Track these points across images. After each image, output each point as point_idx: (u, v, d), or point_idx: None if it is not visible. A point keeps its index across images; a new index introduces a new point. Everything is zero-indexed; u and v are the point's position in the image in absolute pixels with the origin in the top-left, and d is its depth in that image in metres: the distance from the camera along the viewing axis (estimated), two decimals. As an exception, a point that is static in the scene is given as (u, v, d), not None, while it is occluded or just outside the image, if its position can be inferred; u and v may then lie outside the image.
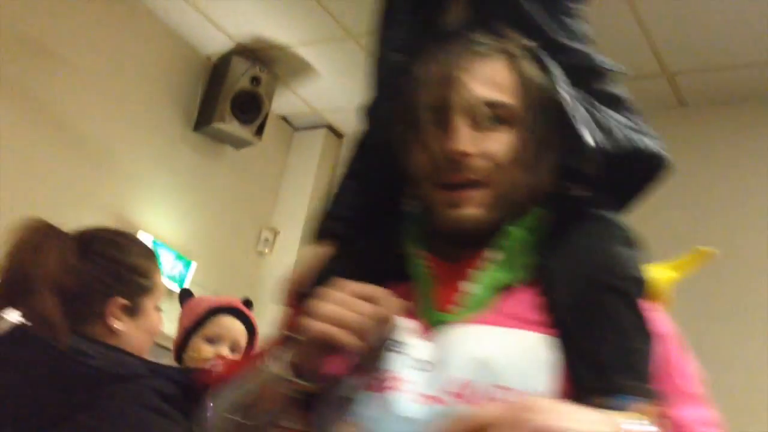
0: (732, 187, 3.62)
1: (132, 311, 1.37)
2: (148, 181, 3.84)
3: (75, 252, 1.33)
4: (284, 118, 4.70)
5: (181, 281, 3.89)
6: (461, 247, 1.00)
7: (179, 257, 3.88)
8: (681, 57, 3.53)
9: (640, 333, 0.92)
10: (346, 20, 3.75)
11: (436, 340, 0.93)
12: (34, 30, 3.36)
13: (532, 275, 0.98)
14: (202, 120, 4.09)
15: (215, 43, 4.09)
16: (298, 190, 4.60)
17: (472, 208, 0.97)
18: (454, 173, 0.97)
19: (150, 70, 3.91)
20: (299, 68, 4.18)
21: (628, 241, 1.01)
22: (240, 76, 4.05)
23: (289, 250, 4.42)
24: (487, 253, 0.98)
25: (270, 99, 4.15)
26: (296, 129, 4.78)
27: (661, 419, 0.86)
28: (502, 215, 0.98)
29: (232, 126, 4.02)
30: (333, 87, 4.30)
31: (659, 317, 0.98)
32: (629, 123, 1.09)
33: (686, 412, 0.91)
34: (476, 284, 0.96)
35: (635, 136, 1.08)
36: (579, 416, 0.77)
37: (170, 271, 3.82)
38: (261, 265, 4.46)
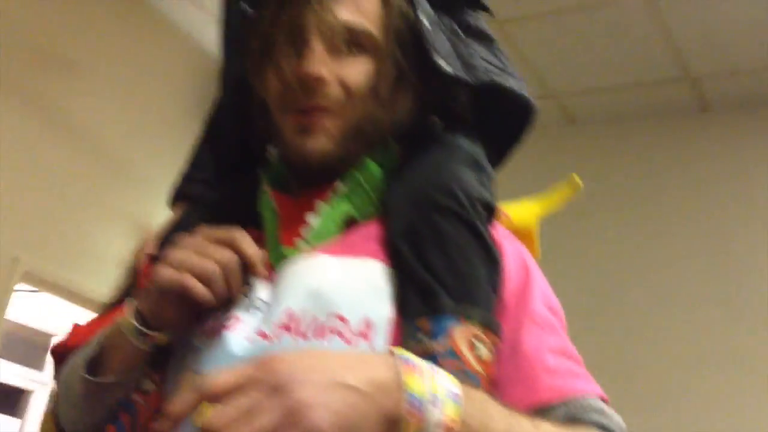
0: (755, 193, 3.59)
1: None
2: (169, 188, 3.85)
3: None
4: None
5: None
6: (311, 181, 0.95)
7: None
8: (703, 61, 3.49)
9: (479, 256, 0.87)
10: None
11: (276, 276, 0.89)
12: (51, 40, 3.39)
13: (380, 208, 0.94)
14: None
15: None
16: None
17: (322, 137, 0.92)
18: (305, 97, 0.91)
19: (169, 79, 3.94)
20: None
21: (474, 163, 0.96)
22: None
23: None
24: (336, 186, 0.93)
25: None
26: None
27: (494, 344, 0.82)
28: (354, 148, 0.93)
29: (253, 134, 4.03)
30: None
31: (513, 245, 0.94)
32: (496, 61, 1.04)
33: (534, 340, 0.85)
34: (321, 217, 0.92)
35: (499, 74, 1.03)
36: (344, 364, 0.67)
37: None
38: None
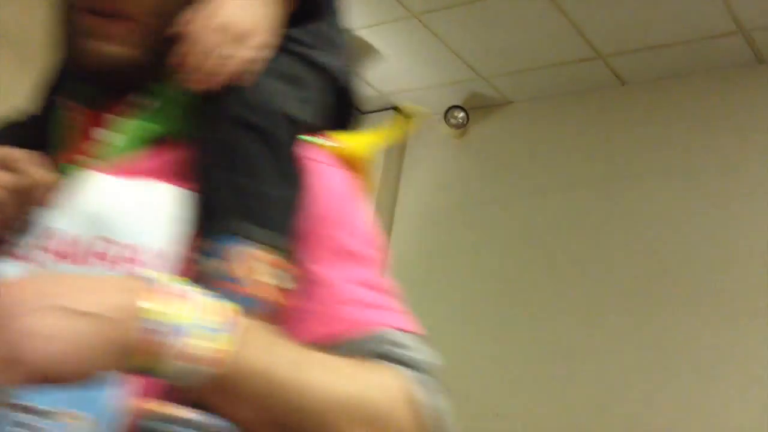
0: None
1: None
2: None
3: None
4: (350, 103, 4.70)
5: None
6: (109, 92, 0.86)
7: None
8: (756, 14, 3.38)
9: (277, 175, 0.80)
10: (407, -1, 3.72)
11: (60, 197, 0.81)
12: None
13: (187, 128, 0.85)
14: (270, 109, 4.12)
15: (278, 32, 4.11)
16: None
17: (116, 43, 0.82)
18: None
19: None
20: (363, 52, 4.17)
21: (291, 78, 0.87)
22: (304, 63, 4.06)
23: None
24: (135, 100, 0.85)
25: (335, 84, 4.15)
26: (363, 112, 4.77)
27: (284, 270, 0.75)
28: (157, 59, 0.84)
29: (299, 113, 4.04)
30: (398, 68, 4.28)
31: (333, 172, 0.87)
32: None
33: (336, 270, 0.78)
34: (116, 133, 0.84)
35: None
36: (76, 288, 0.59)
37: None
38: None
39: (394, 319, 0.79)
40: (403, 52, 4.13)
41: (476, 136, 4.45)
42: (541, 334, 3.78)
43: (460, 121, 4.37)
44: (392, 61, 4.22)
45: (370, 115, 4.75)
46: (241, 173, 0.78)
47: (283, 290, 0.75)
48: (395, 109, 4.67)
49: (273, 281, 0.73)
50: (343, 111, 1.00)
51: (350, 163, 0.93)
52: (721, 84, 3.74)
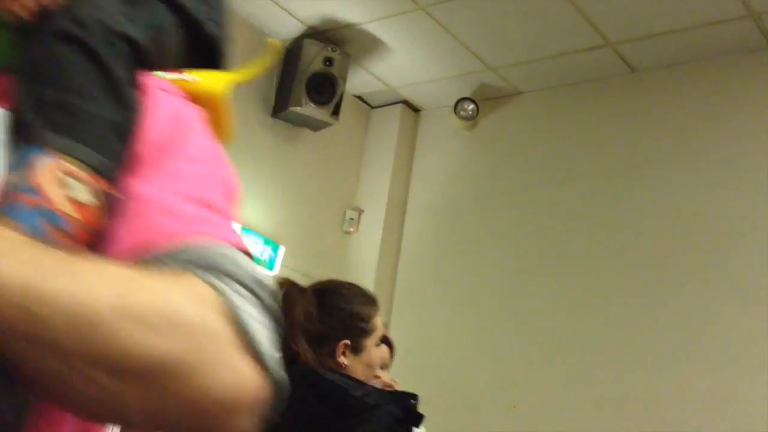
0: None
1: (355, 350, 1.70)
2: (234, 166, 3.90)
3: (314, 304, 1.68)
4: (360, 97, 4.70)
5: (270, 265, 3.96)
6: None
7: (267, 242, 3.95)
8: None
9: (103, 94, 0.73)
10: (413, -8, 3.72)
11: None
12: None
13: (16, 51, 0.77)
14: (279, 105, 4.13)
15: (286, 28, 4.12)
16: (379, 168, 4.61)
17: None
18: None
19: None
20: (371, 45, 4.18)
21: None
22: (313, 58, 4.07)
23: (374, 228, 4.44)
24: None
25: (344, 79, 4.15)
26: (372, 107, 4.78)
27: (101, 189, 0.68)
28: None
29: (308, 109, 4.05)
30: (406, 61, 4.28)
31: (174, 101, 0.80)
32: None
33: (159, 187, 0.71)
34: None
35: None
36: None
37: (259, 256, 3.89)
38: (347, 245, 4.50)
39: (220, 232, 0.70)
40: (411, 45, 4.13)
41: (486, 127, 4.44)
42: (554, 324, 3.78)
43: (470, 113, 4.37)
44: (400, 54, 4.22)
45: (379, 109, 4.76)
46: (60, 86, 0.72)
47: (101, 208, 0.68)
48: (405, 103, 4.68)
49: (89, 199, 0.67)
50: (204, 53, 0.93)
51: (202, 98, 0.85)
52: (732, 69, 3.72)
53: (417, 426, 1.52)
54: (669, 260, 3.57)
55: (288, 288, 1.70)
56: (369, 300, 1.79)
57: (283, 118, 4.16)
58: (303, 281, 4.25)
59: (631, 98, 3.98)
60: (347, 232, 4.49)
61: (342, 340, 1.69)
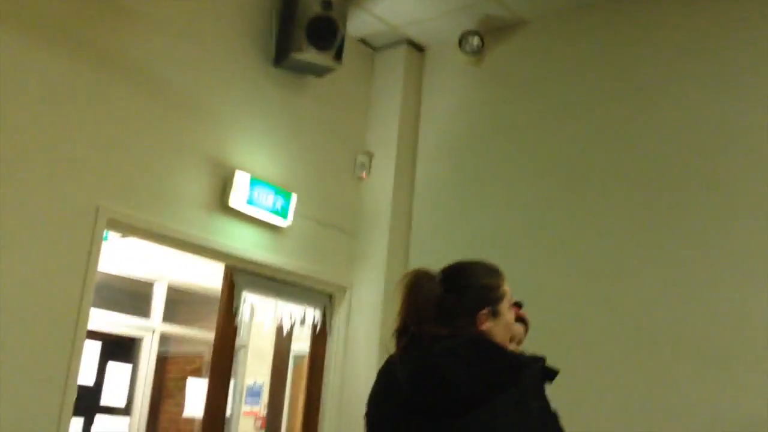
0: None
1: (494, 314, 1.89)
2: (238, 121, 3.87)
3: (440, 287, 1.86)
4: (362, 40, 4.61)
5: (284, 214, 3.93)
6: None
7: (279, 191, 3.91)
8: None
9: None
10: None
11: None
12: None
13: None
14: (281, 53, 4.06)
15: (281, -27, 4.03)
16: (387, 110, 4.54)
17: None
18: None
19: (223, 11, 3.90)
20: (369, -15, 4.08)
21: None
22: (311, 2, 3.98)
23: (386, 171, 4.39)
24: None
25: (344, 22, 4.07)
26: (376, 49, 4.70)
27: None
28: None
29: (310, 54, 3.97)
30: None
31: None
32: None
33: None
34: None
35: None
36: None
37: (272, 206, 3.86)
38: (360, 189, 4.45)
39: None
40: (411, -19, 4.02)
41: (493, 61, 4.34)
42: (577, 253, 3.73)
43: (476, 47, 4.27)
44: (400, -8, 4.12)
45: (382, 51, 4.67)
46: None
47: None
48: (408, 42, 4.58)
49: None
50: None
51: None
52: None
53: (552, 381, 1.71)
54: (689, 182, 3.50)
55: (418, 275, 1.88)
56: (493, 271, 1.98)
57: (285, 67, 4.09)
58: (317, 229, 4.23)
59: (640, 20, 3.87)
60: (359, 177, 4.45)
61: (481, 311, 1.86)
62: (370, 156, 4.47)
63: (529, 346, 2.18)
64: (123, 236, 3.98)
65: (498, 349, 1.79)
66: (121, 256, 4.96)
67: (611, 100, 3.85)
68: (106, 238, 3.54)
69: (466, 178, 4.26)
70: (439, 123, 4.49)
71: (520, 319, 2.26)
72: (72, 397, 3.04)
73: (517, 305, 2.22)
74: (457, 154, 4.36)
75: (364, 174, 4.44)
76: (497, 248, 3.95)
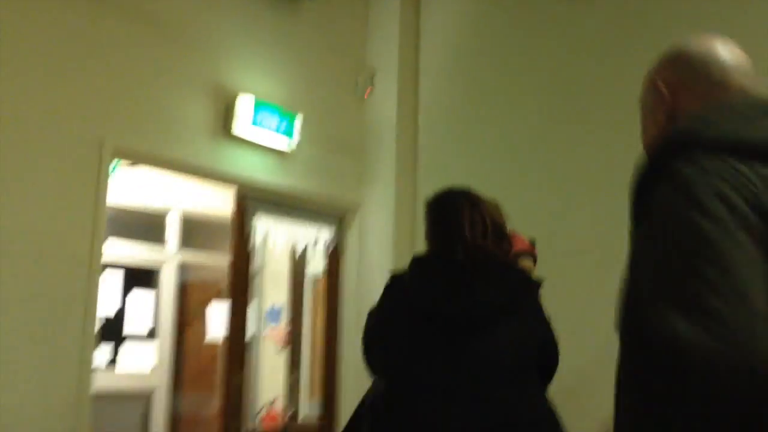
0: None
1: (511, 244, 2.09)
2: (238, 46, 3.83)
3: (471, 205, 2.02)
4: (360, -46, 4.51)
5: (289, 135, 3.92)
6: None
7: (283, 113, 3.89)
8: None
9: None
10: None
11: None
12: None
13: None
14: (277, -28, 3.98)
15: None
16: (386, 26, 4.46)
17: None
18: None
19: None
20: None
21: None
22: None
23: (389, 88, 4.35)
24: None
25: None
26: None
27: None
28: None
29: (306, -29, 3.89)
30: None
31: None
32: None
33: None
34: None
35: None
36: None
37: (277, 128, 3.85)
38: (364, 108, 4.42)
39: None
40: None
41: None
42: (584, 168, 3.71)
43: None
44: None
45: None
46: None
47: None
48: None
49: None
50: None
51: None
52: None
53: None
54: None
55: (472, 196, 2.04)
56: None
57: (282, -14, 4.01)
58: (324, 150, 4.22)
59: None
60: (362, 95, 4.41)
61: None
62: (372, 73, 4.43)
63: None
64: (132, 165, 4.00)
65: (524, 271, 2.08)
66: (135, 186, 5.00)
67: (614, 4, 3.75)
68: (114, 170, 3.56)
69: (471, 90, 4.21)
70: (440, 36, 4.41)
71: (532, 254, 2.35)
72: (93, 326, 3.12)
73: (531, 243, 2.34)
74: (460, 66, 4.30)
75: (367, 91, 4.40)
76: (504, 163, 3.94)
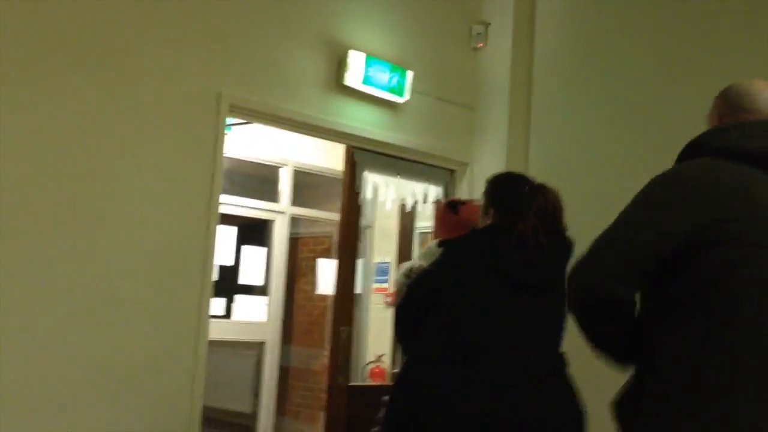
0: None
1: None
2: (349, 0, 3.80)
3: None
4: None
5: (400, 91, 3.88)
6: None
7: (394, 69, 3.86)
8: None
9: None
10: None
11: None
12: None
13: None
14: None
15: None
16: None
17: None
18: None
19: None
20: None
21: None
22: None
23: (504, 40, 4.23)
24: None
25: None
26: None
27: None
28: None
29: None
30: None
31: None
32: None
33: None
34: None
35: None
36: None
37: (388, 83, 3.82)
38: (477, 61, 4.33)
39: None
40: None
41: None
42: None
43: None
44: None
45: None
46: None
47: None
48: None
49: None
50: None
51: None
52: None
53: None
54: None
55: (547, 188, 2.26)
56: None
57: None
58: (435, 104, 4.17)
59: None
60: (475, 48, 4.31)
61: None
62: (486, 25, 4.31)
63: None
64: (246, 122, 4.06)
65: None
66: (247, 142, 5.09)
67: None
68: (229, 129, 3.62)
69: (588, 46, 4.05)
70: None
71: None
72: (210, 276, 3.21)
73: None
74: (576, 26, 4.13)
75: (480, 44, 4.30)
76: (616, 123, 3.79)
